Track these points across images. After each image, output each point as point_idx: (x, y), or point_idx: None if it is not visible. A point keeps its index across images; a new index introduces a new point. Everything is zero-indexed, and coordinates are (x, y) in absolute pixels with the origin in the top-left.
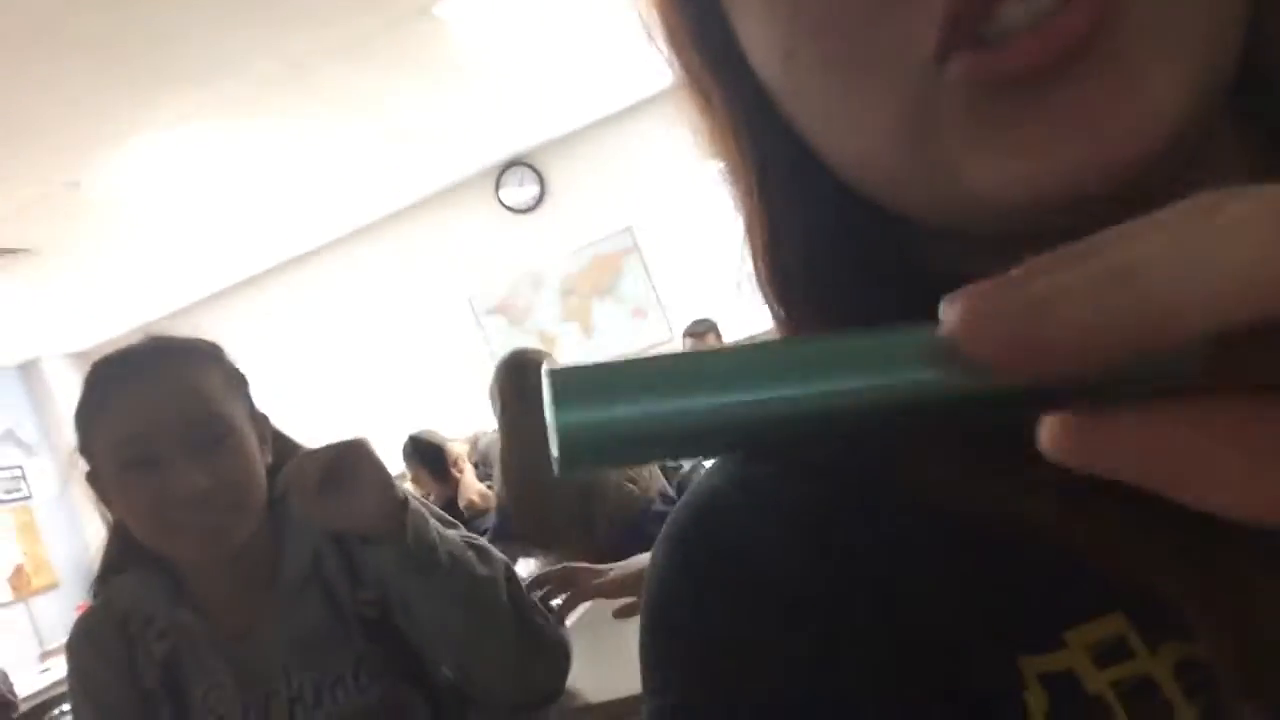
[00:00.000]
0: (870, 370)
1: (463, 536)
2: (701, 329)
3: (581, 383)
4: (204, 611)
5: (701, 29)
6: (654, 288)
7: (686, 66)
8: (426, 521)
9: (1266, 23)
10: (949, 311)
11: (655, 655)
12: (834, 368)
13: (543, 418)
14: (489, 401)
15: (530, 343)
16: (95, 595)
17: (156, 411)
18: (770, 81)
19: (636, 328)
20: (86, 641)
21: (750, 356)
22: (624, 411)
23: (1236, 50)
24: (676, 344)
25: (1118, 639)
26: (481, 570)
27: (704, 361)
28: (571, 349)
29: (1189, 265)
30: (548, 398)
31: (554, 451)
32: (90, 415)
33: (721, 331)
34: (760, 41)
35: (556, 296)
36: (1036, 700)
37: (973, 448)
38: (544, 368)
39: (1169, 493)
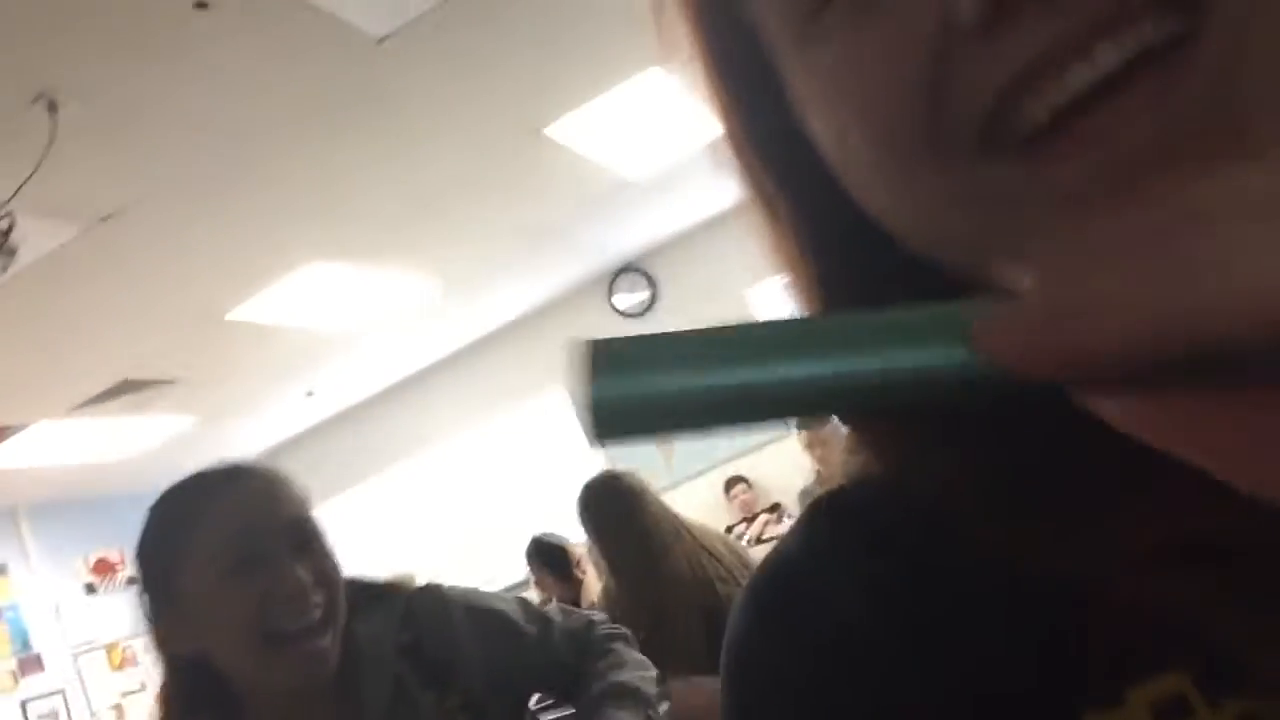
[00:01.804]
0: (907, 350)
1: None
2: (815, 424)
3: (617, 355)
4: None
5: (764, 122)
6: None
7: (748, 167)
8: None
9: None
10: (980, 327)
11: (734, 709)
12: (867, 346)
13: (642, 542)
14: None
15: (647, 445)
16: None
17: (262, 509)
18: (830, 162)
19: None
20: None
21: (782, 331)
22: (657, 384)
23: None
24: (794, 437)
25: (1179, 696)
26: None
27: (738, 335)
28: (689, 447)
29: (1197, 269)
30: (584, 370)
31: (587, 423)
32: (180, 533)
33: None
34: (818, 125)
35: None
36: None
37: (1040, 507)
38: (583, 345)
39: (1222, 475)
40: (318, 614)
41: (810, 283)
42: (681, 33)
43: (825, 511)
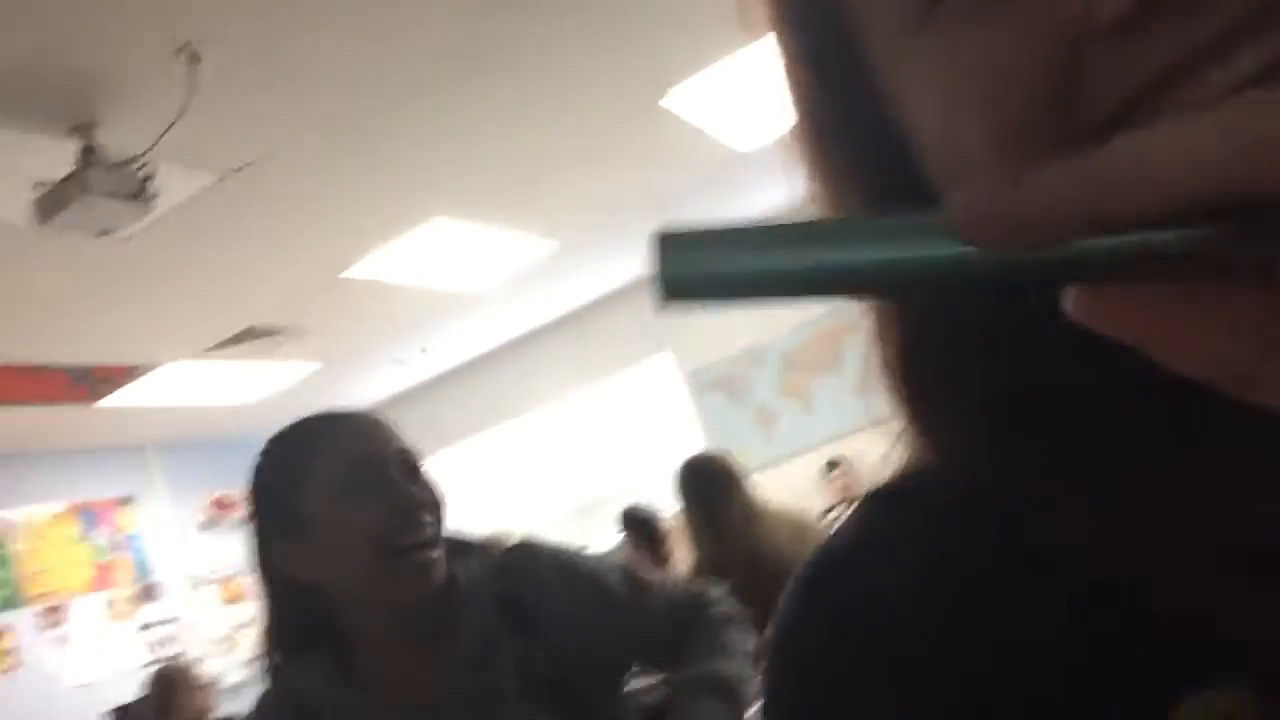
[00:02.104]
0: (904, 244)
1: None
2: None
3: (683, 237)
4: (373, 689)
5: (850, 119)
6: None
7: (826, 166)
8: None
9: None
10: (949, 204)
11: (775, 697)
12: (887, 238)
13: (730, 518)
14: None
15: (749, 419)
16: (269, 677)
17: (373, 436)
18: (936, 158)
19: (859, 405)
20: None
21: (822, 227)
22: (718, 258)
23: None
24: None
25: (1233, 712)
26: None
27: (776, 231)
28: (791, 424)
29: (1150, 142)
30: (655, 250)
31: (656, 289)
32: (299, 459)
33: None
34: (929, 119)
35: (777, 372)
36: None
37: (1114, 511)
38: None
39: (1156, 357)
40: (430, 530)
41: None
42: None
43: (879, 502)
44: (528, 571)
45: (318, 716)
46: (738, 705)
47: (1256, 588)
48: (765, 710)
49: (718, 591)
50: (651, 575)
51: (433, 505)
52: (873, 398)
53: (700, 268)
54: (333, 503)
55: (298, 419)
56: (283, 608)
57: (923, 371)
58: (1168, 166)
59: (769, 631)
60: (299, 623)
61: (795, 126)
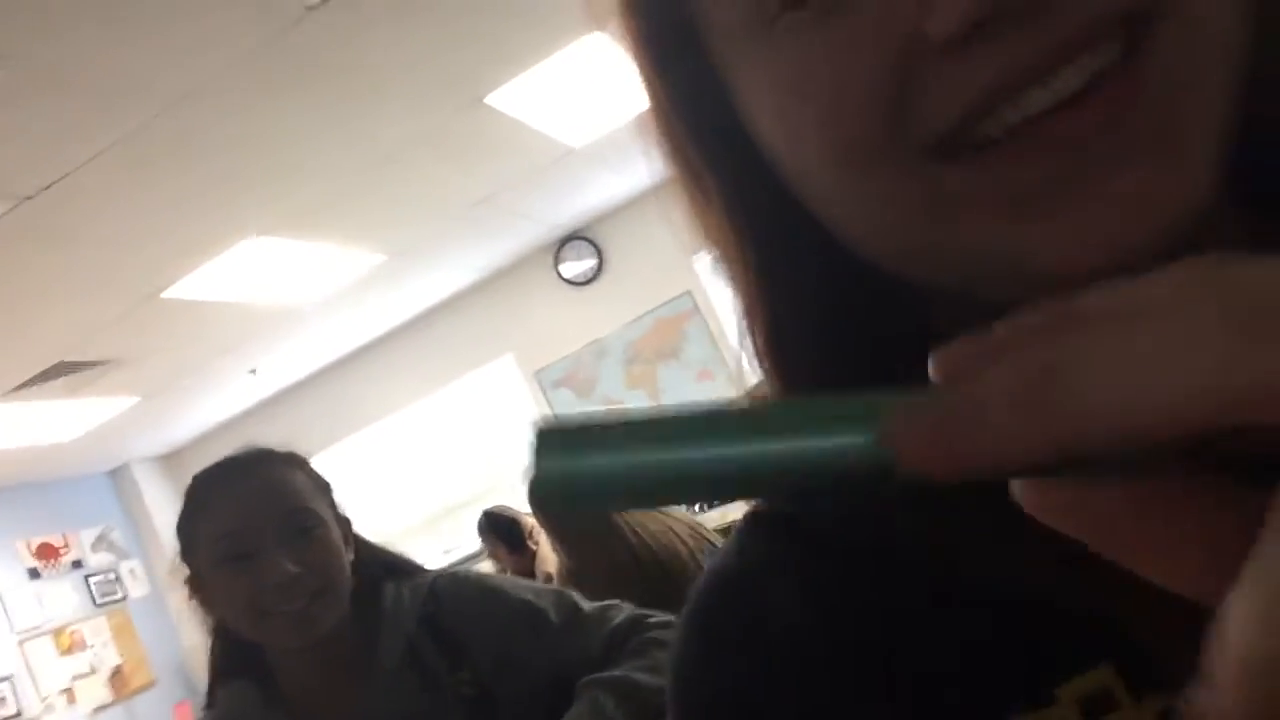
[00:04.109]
0: (827, 437)
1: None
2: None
3: (560, 435)
4: (298, 711)
5: (696, 107)
6: (718, 348)
7: (677, 148)
8: None
9: (1263, 70)
10: (885, 423)
11: (677, 716)
12: (788, 434)
13: (595, 527)
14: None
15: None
16: (207, 707)
17: (250, 508)
18: (778, 161)
19: (704, 390)
20: None
21: (713, 418)
22: (593, 463)
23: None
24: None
25: (1105, 691)
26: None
27: (666, 422)
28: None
29: (1115, 371)
30: (530, 447)
31: (529, 495)
32: (192, 520)
33: None
34: (768, 124)
35: (621, 365)
36: None
37: (971, 514)
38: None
39: (1104, 554)
40: (305, 598)
41: (743, 264)
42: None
43: (760, 523)
44: (453, 595)
45: None
46: (637, 708)
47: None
48: None
49: (661, 617)
50: (593, 604)
51: (319, 565)
52: (714, 385)
53: (581, 472)
54: (213, 567)
55: (215, 462)
56: (214, 638)
57: (791, 358)
58: (1155, 402)
59: (668, 662)
60: (230, 652)
61: (647, 109)
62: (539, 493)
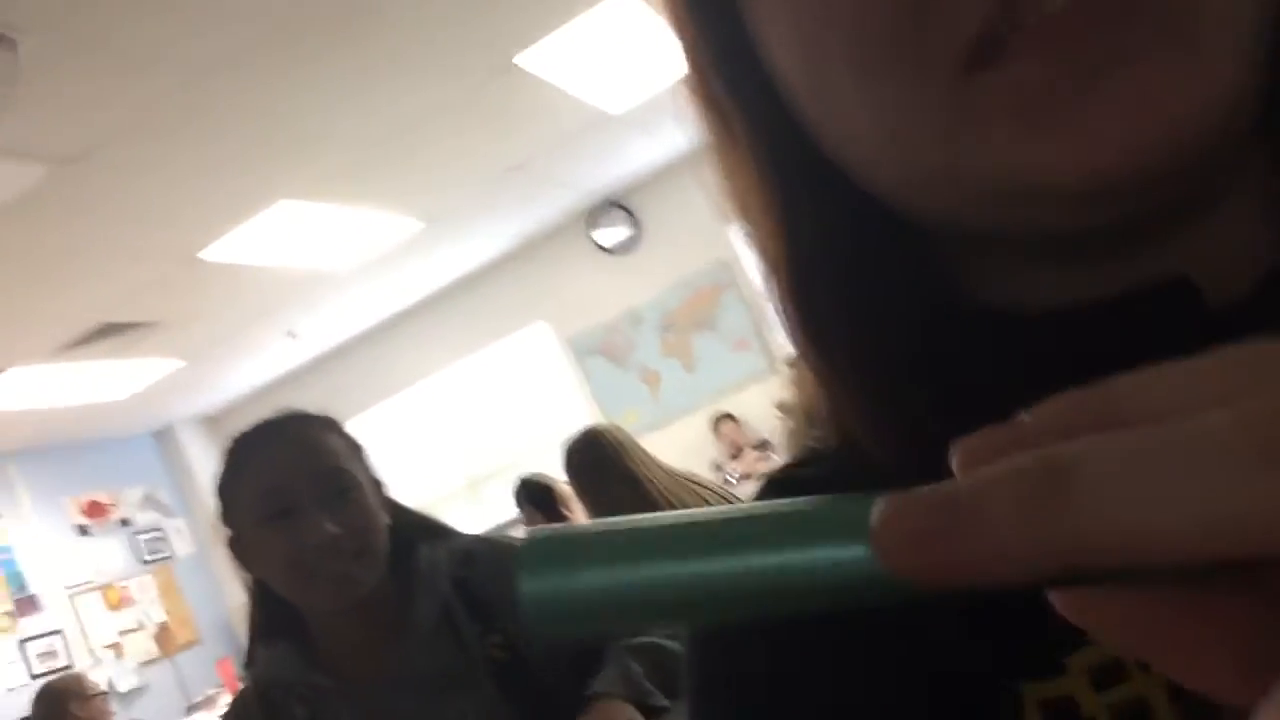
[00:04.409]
0: (810, 552)
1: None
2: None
3: (546, 553)
4: (336, 671)
5: (720, 42)
6: (754, 319)
7: (706, 97)
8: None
9: None
10: (874, 523)
11: (697, 699)
12: (776, 547)
13: (619, 488)
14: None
15: (632, 380)
16: (247, 667)
17: (290, 468)
18: (793, 85)
19: (739, 360)
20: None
21: (704, 529)
22: (585, 583)
23: (1272, 43)
24: (781, 374)
25: (1115, 662)
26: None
27: (654, 534)
28: (675, 385)
29: (1132, 487)
30: (519, 564)
31: (522, 619)
32: (231, 481)
33: None
34: (784, 43)
35: (656, 333)
36: None
37: None
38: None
39: (1136, 657)
40: (343, 564)
41: (769, 206)
42: None
43: (775, 487)
44: (487, 559)
45: (286, 703)
46: (667, 674)
47: None
48: (690, 708)
49: None
50: None
51: (356, 528)
52: (749, 355)
53: (571, 594)
54: (253, 526)
55: (252, 424)
56: (255, 597)
57: (815, 307)
58: (1167, 526)
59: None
60: (270, 612)
61: (683, 72)
62: (531, 618)
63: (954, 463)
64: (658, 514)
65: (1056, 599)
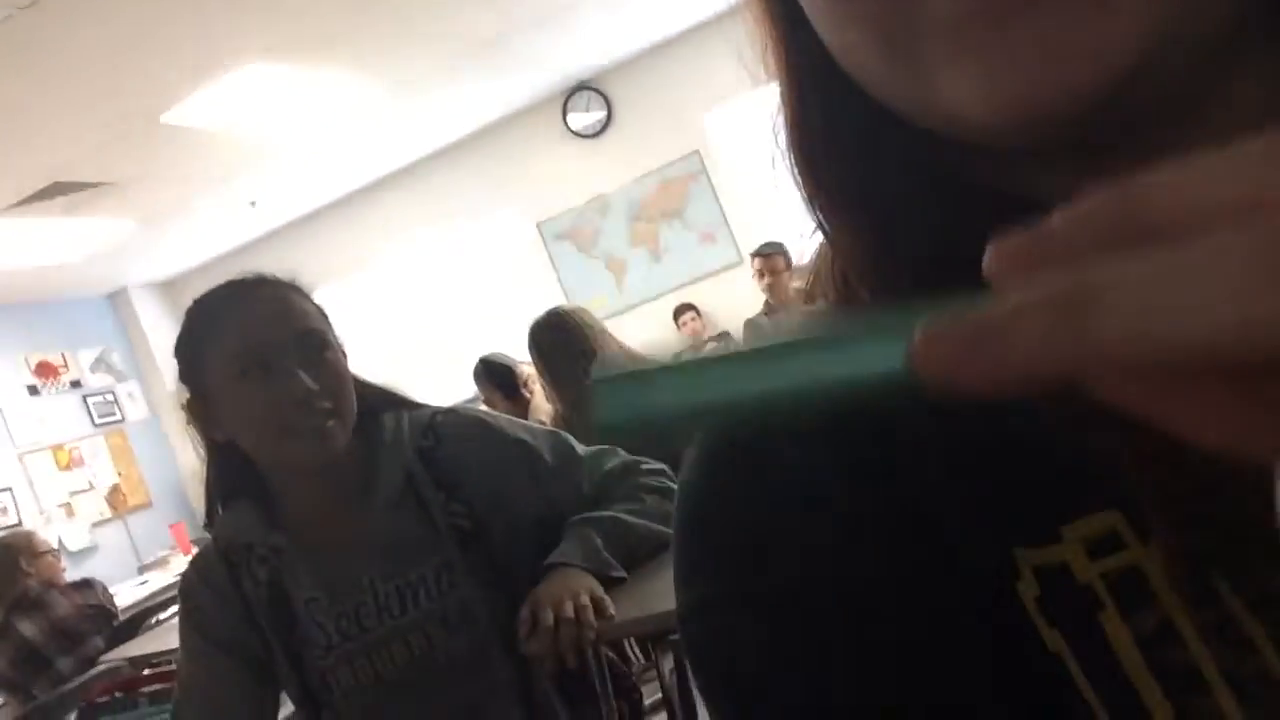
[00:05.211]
0: (855, 369)
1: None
2: (769, 250)
3: (616, 385)
4: (297, 532)
5: None
6: (722, 211)
7: None
8: (604, 563)
9: None
10: (916, 337)
11: (685, 551)
12: (823, 362)
13: (581, 367)
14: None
15: (598, 267)
16: (206, 527)
17: (268, 325)
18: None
19: (705, 252)
20: (199, 580)
21: (749, 359)
22: (650, 404)
23: None
24: (746, 267)
25: (1112, 533)
26: (639, 530)
27: (710, 365)
28: (641, 273)
29: (1148, 301)
30: (593, 398)
31: (597, 429)
32: (199, 340)
33: (790, 253)
34: (824, 34)
35: (624, 221)
36: (1027, 588)
37: None
38: (592, 371)
39: (1173, 432)
40: (321, 414)
41: (783, 63)
42: None
43: None
44: (452, 430)
45: (247, 562)
46: (627, 548)
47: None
48: (676, 557)
49: (653, 464)
50: (588, 448)
51: (331, 387)
52: (715, 248)
53: (634, 412)
54: (228, 382)
55: (219, 284)
56: (213, 460)
57: (829, 165)
58: (1189, 324)
59: (678, 498)
60: (229, 474)
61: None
62: (604, 428)
63: (987, 266)
64: (709, 354)
65: (1112, 390)
